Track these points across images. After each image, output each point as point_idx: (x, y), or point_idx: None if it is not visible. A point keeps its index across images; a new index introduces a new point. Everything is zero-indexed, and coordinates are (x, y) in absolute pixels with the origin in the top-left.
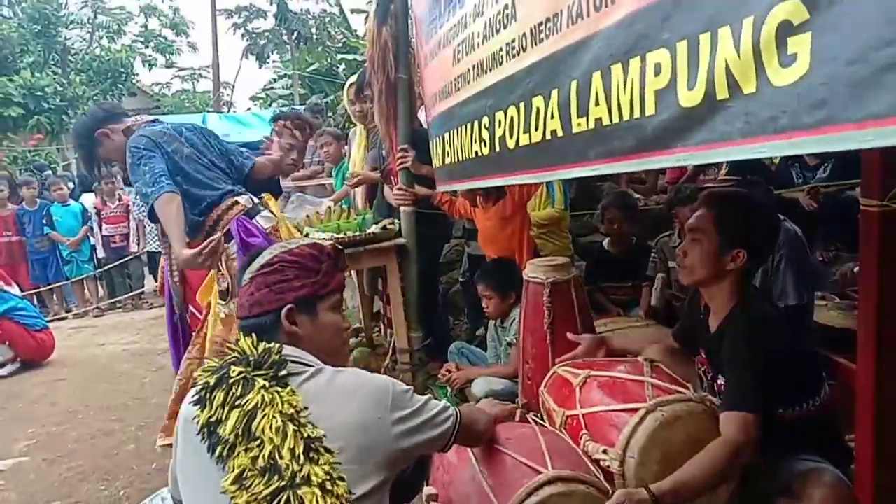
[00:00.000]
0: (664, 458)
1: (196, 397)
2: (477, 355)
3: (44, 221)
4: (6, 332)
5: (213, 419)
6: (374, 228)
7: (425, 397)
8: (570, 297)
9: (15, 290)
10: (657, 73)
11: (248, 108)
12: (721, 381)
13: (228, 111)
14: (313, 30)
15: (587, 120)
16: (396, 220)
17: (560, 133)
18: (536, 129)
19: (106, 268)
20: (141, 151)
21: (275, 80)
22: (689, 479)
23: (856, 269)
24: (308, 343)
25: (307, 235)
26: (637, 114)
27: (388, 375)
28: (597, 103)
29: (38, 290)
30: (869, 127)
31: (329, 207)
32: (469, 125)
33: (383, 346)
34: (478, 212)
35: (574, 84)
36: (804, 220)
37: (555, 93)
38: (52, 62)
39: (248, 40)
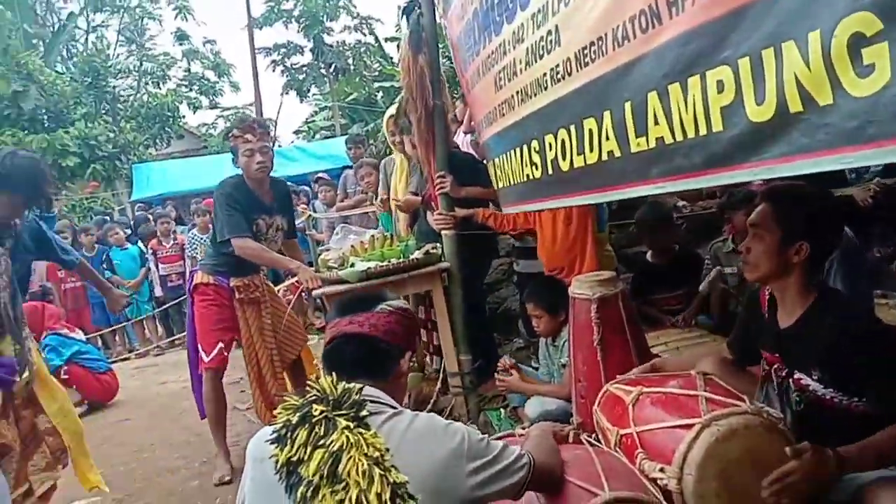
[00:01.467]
0: (722, 473)
1: (275, 435)
2: (528, 374)
3: (103, 266)
4: (73, 377)
5: (294, 458)
6: (417, 254)
7: (500, 444)
8: (618, 311)
9: (79, 334)
10: (720, 90)
11: (292, 142)
12: (799, 375)
13: (275, 146)
14: (350, 61)
15: (646, 139)
16: (439, 245)
17: (617, 153)
18: (591, 150)
19: (165, 307)
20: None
21: (315, 112)
22: (877, 444)
23: None
24: (393, 386)
25: (353, 265)
26: (703, 131)
27: (441, 399)
28: (656, 122)
29: (101, 333)
30: None
31: (373, 236)
32: (518, 150)
33: (431, 371)
34: (543, 215)
35: (629, 105)
36: (859, 218)
37: (607, 114)
38: (104, 111)
39: (287, 76)
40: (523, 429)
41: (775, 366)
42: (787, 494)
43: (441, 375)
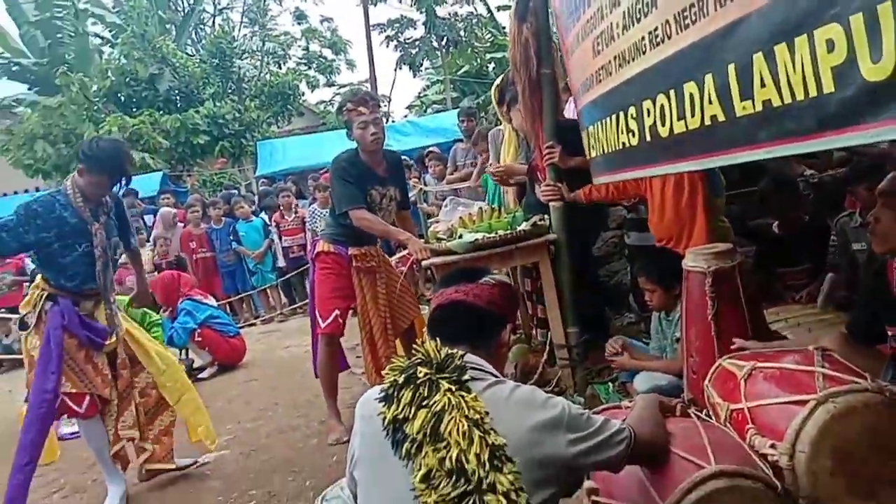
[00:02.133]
0: (837, 452)
1: (383, 394)
2: (639, 349)
3: (230, 238)
4: (206, 339)
5: (399, 416)
6: (524, 226)
7: (601, 419)
8: (735, 285)
9: (211, 300)
10: (830, 49)
11: (405, 116)
12: None
13: (387, 122)
14: (461, 32)
15: (752, 102)
16: (547, 217)
17: (721, 118)
18: (693, 115)
19: (287, 276)
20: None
21: (427, 86)
22: None
23: None
24: (493, 356)
25: (461, 237)
26: (813, 92)
27: (547, 371)
28: (762, 85)
29: (229, 301)
30: None
31: (480, 208)
32: (615, 116)
33: (536, 344)
34: (654, 181)
35: (732, 67)
36: None
37: (709, 78)
38: (230, 91)
39: (400, 51)
40: (631, 403)
41: None
42: None
43: (547, 347)
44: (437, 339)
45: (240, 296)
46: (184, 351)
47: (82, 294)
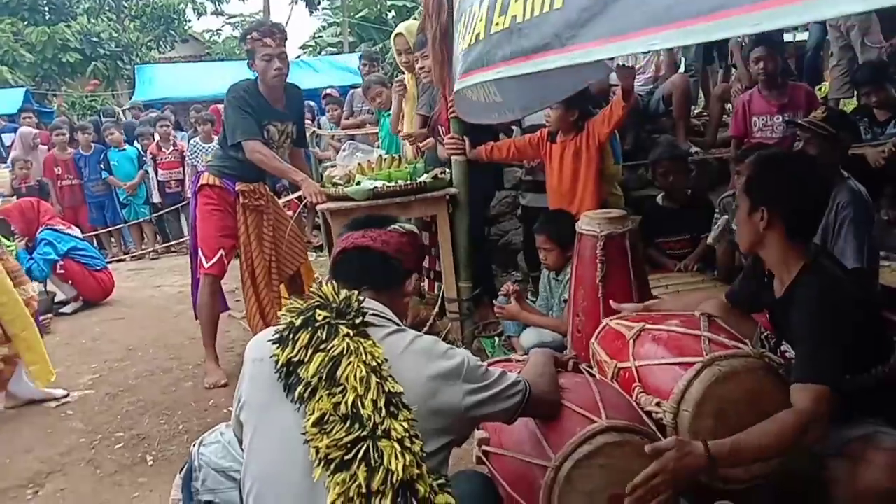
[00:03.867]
0: (718, 413)
1: (278, 336)
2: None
3: (101, 166)
4: (69, 272)
5: (294, 359)
6: (425, 177)
7: (498, 371)
8: (624, 250)
9: (75, 231)
10: None
11: (298, 56)
12: (785, 347)
13: None
14: None
15: (505, 18)
16: (448, 170)
17: (482, 35)
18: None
19: (161, 212)
20: None
21: (324, 27)
22: (751, 443)
23: None
24: (396, 305)
25: (359, 183)
26: (546, 7)
27: (437, 323)
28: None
29: (96, 233)
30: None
31: (380, 156)
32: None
33: (432, 296)
34: (554, 147)
35: None
36: (872, 178)
37: None
38: (108, 8)
39: None
40: (520, 357)
41: (767, 333)
42: (653, 497)
43: (439, 301)
44: (341, 282)
45: (108, 229)
46: (43, 285)
47: None
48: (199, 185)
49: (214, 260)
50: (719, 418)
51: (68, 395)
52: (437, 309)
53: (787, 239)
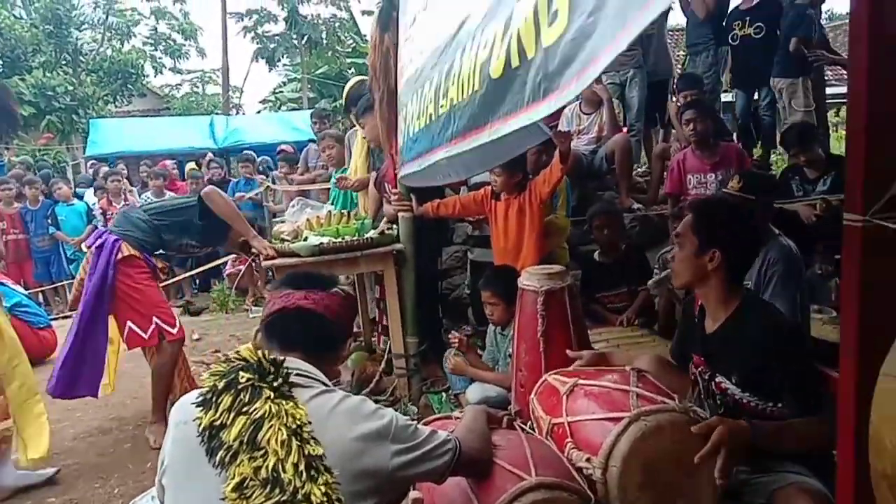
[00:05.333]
0: (646, 467)
1: (201, 399)
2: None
3: (48, 220)
4: None
5: (217, 422)
6: (372, 233)
7: (427, 430)
8: (564, 305)
9: (20, 288)
10: (484, 46)
11: (259, 112)
12: (720, 379)
13: (237, 114)
14: (323, 34)
15: (447, 101)
16: (395, 226)
17: (434, 117)
18: (420, 117)
19: None
20: None
21: (284, 83)
22: (789, 431)
23: None
24: (329, 367)
25: (306, 239)
26: (472, 89)
27: (384, 379)
28: (453, 82)
29: (41, 289)
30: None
31: (329, 212)
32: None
33: (379, 351)
34: (498, 205)
35: (448, 65)
36: (803, 234)
37: (435, 76)
38: (64, 62)
39: (258, 43)
40: (459, 414)
41: (700, 368)
42: (725, 469)
43: (386, 356)
44: (274, 341)
45: (54, 285)
46: None
47: None
48: (120, 255)
49: (178, 324)
50: (647, 473)
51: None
52: (383, 364)
53: (728, 279)
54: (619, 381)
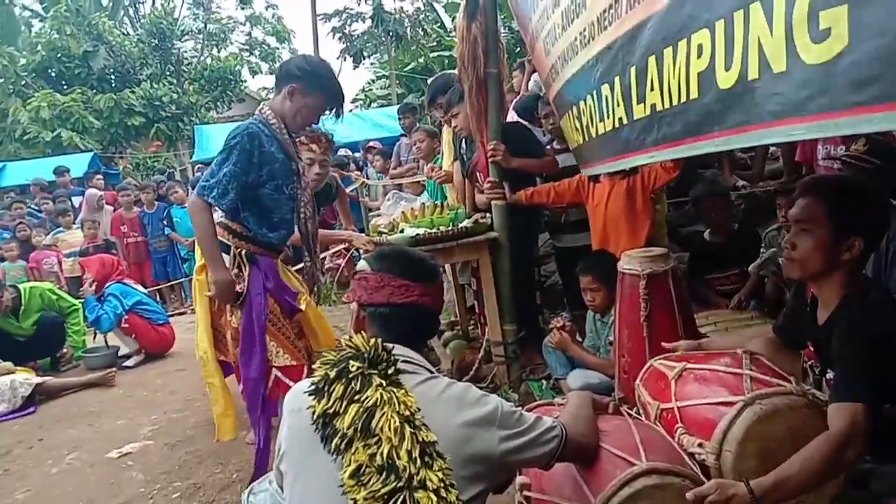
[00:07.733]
0: (762, 452)
1: (314, 387)
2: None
3: (164, 223)
4: (133, 326)
5: (330, 411)
6: (466, 223)
7: (532, 417)
8: (667, 288)
9: (140, 287)
10: (699, 54)
11: (350, 110)
12: (830, 375)
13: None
14: (408, 29)
15: (644, 106)
16: (489, 215)
17: (625, 121)
18: (608, 117)
19: None
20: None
21: (373, 80)
22: (793, 474)
23: None
24: (428, 353)
25: (402, 231)
26: (684, 97)
27: (483, 367)
28: (652, 88)
29: (159, 287)
30: None
31: (423, 204)
32: (568, 115)
33: (478, 340)
34: (597, 188)
35: (633, 70)
36: None
37: (617, 80)
38: (168, 73)
39: (345, 42)
40: (561, 400)
41: (811, 361)
42: None
43: (484, 344)
44: (390, 334)
45: (170, 283)
46: (104, 337)
47: (280, 250)
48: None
49: None
50: (764, 458)
51: None
52: (482, 353)
53: (855, 266)
54: (732, 364)
